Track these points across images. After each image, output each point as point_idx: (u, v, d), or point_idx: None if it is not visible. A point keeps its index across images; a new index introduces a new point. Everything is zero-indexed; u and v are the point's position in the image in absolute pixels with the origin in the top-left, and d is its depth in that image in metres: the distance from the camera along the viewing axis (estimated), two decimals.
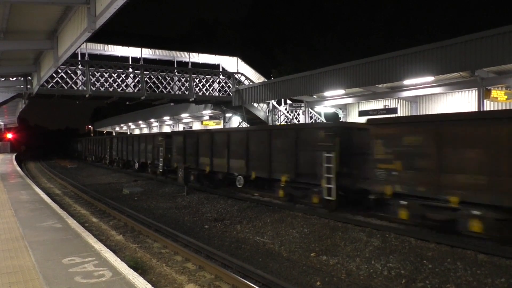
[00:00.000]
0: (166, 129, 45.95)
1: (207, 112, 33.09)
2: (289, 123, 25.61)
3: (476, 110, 14.74)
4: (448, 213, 8.76)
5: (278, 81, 22.95)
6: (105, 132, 72.89)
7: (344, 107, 23.31)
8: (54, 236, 7.84)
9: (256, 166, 14.83)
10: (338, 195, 11.40)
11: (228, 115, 31.04)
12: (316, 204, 12.08)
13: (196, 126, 39.30)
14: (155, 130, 49.43)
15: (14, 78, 19.38)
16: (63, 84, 22.05)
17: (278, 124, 25.69)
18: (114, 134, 58.72)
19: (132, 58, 26.65)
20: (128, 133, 56.36)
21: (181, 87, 26.00)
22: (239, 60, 29.42)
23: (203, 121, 35.65)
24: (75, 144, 60.52)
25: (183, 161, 19.67)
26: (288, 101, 26.43)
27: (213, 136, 17.77)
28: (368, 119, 10.85)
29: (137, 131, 56.67)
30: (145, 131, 52.79)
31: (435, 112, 17.58)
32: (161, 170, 22.22)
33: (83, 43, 9.87)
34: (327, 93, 20.41)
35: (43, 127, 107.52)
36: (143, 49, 26.85)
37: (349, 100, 21.26)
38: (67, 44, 10.58)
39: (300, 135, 12.96)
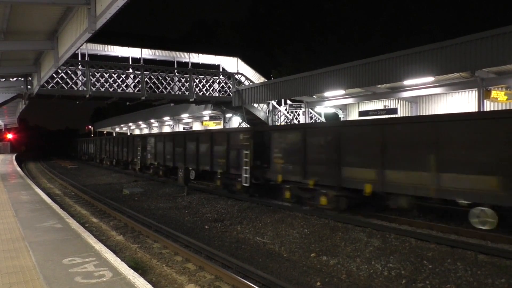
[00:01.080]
0: (166, 129, 45.94)
1: (207, 113, 33.13)
2: (289, 123, 25.62)
3: (477, 110, 14.72)
4: None
5: (278, 82, 22.95)
6: (105, 132, 72.90)
7: (344, 107, 23.34)
8: (55, 236, 7.84)
9: None
10: None
11: (228, 115, 31.09)
12: None
13: (196, 126, 39.35)
14: (155, 130, 49.34)
15: (14, 79, 19.37)
16: (63, 84, 22.04)
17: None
18: (151, 132, 48.81)
19: (132, 58, 26.65)
20: (129, 133, 56.30)
21: (181, 87, 26.00)
22: (239, 61, 29.42)
23: (203, 121, 35.70)
24: (83, 144, 52.61)
25: (302, 172, 12.68)
26: (288, 102, 26.44)
27: (386, 130, 10.46)
28: None
29: (137, 132, 56.57)
30: (146, 131, 52.64)
31: (435, 113, 17.58)
32: (246, 184, 15.05)
33: (83, 43, 9.87)
34: (327, 94, 20.43)
35: (43, 127, 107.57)
36: (143, 50, 26.84)
37: (349, 101, 21.28)
38: (67, 45, 10.58)
39: None
